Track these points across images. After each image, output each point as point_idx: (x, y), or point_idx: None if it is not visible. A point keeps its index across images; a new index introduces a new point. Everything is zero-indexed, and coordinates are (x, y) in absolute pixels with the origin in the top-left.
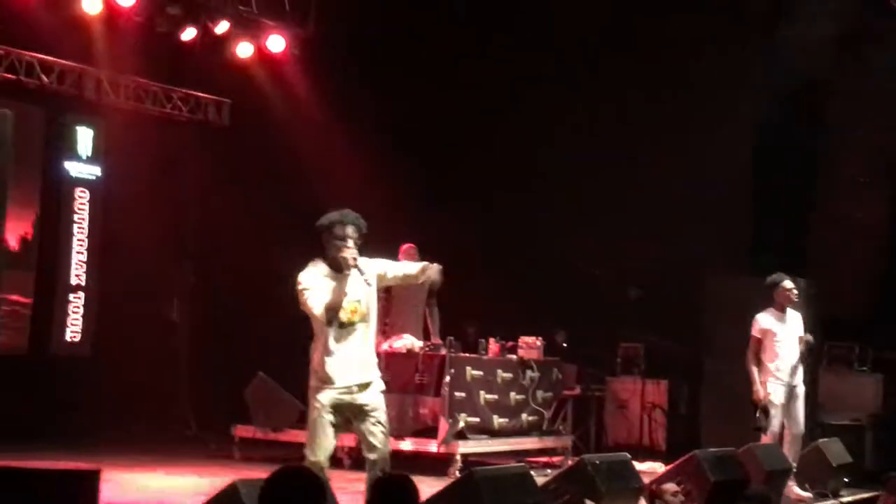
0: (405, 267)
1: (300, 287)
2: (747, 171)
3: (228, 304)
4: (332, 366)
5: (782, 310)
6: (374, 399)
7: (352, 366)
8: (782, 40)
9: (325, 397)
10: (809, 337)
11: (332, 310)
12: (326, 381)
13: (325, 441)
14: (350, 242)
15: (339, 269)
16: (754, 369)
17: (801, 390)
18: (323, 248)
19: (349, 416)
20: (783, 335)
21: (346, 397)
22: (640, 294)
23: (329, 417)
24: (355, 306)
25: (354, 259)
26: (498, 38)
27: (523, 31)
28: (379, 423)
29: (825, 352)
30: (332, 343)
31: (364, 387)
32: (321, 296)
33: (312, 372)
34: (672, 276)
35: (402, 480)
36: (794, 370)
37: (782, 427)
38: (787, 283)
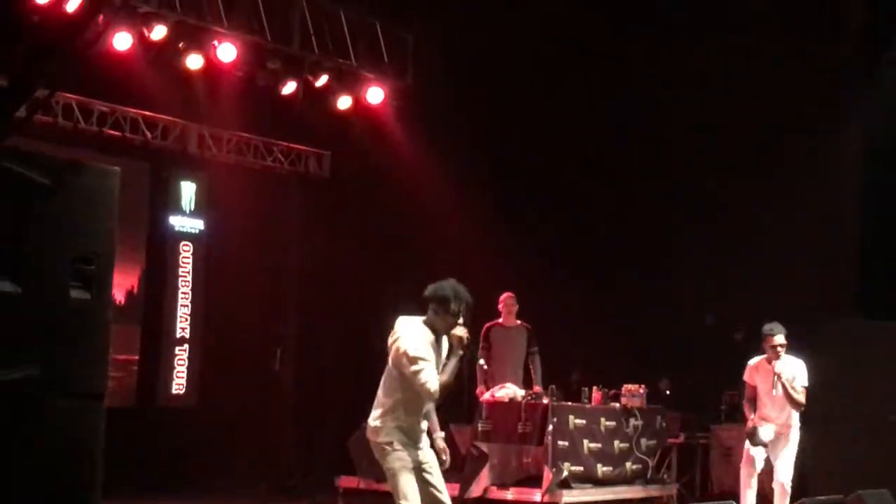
0: None
1: (414, 355)
2: (856, 211)
3: (331, 354)
4: (418, 426)
5: (771, 360)
6: (432, 456)
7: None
8: (885, 74)
9: (412, 455)
10: (780, 388)
11: (447, 389)
12: (412, 439)
13: (416, 497)
14: (461, 320)
15: (436, 334)
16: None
17: (791, 436)
18: (423, 309)
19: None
20: (764, 386)
21: (420, 455)
22: (744, 337)
23: (413, 475)
24: None
25: (468, 339)
26: (600, 87)
27: (631, 79)
28: (436, 475)
29: None
30: (420, 405)
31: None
32: (434, 371)
33: (395, 429)
34: (780, 321)
35: None
36: (780, 418)
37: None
38: (777, 339)
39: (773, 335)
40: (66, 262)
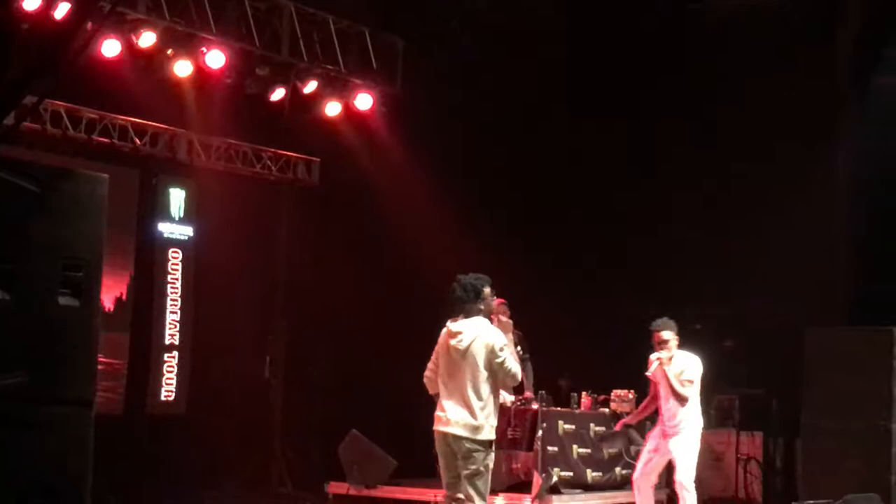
0: None
1: (503, 345)
2: (848, 220)
3: (321, 361)
4: None
5: (669, 358)
6: None
7: None
8: (874, 89)
9: None
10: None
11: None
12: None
13: None
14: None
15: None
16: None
17: (686, 433)
18: (473, 303)
19: None
20: (662, 382)
21: None
22: (735, 345)
23: None
24: None
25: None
26: (586, 93)
27: (621, 82)
28: None
29: None
30: None
31: None
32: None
33: (493, 429)
34: (770, 328)
35: None
36: (669, 415)
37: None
38: (663, 335)
39: (657, 331)
40: (55, 270)
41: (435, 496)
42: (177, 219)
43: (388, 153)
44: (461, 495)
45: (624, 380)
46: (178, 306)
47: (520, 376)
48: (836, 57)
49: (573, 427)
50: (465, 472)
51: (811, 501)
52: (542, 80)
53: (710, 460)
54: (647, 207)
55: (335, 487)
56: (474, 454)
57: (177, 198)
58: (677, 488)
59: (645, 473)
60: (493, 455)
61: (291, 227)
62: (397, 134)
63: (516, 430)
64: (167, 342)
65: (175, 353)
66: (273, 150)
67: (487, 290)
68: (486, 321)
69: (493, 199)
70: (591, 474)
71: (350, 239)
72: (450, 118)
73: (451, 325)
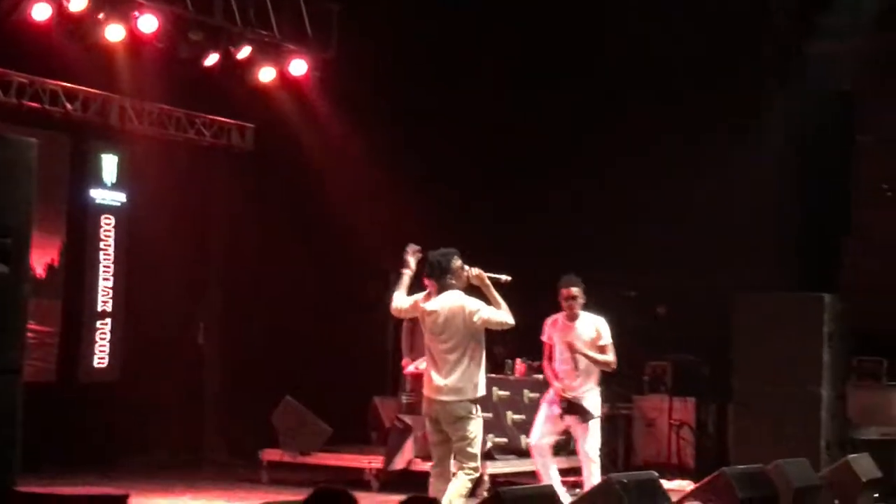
0: None
1: (479, 306)
2: (777, 189)
3: (255, 328)
4: None
5: (571, 318)
6: None
7: None
8: (808, 58)
9: None
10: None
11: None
12: None
13: None
14: (466, 267)
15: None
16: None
17: (590, 400)
18: (443, 278)
19: None
20: (560, 345)
21: None
22: (667, 312)
23: None
24: None
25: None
26: (522, 58)
27: (549, 57)
28: None
29: (854, 366)
30: None
31: None
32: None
33: (477, 386)
34: (701, 295)
35: (339, 494)
36: (571, 380)
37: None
38: (572, 290)
39: (565, 286)
40: None
41: (369, 462)
42: (109, 185)
43: (323, 119)
44: (447, 459)
45: None
46: (111, 273)
47: (508, 317)
48: (765, 25)
49: (507, 393)
50: (455, 437)
51: (742, 466)
52: (478, 44)
53: (642, 426)
54: (581, 175)
55: (269, 454)
56: (458, 419)
57: (109, 164)
58: (582, 458)
59: (545, 439)
60: (479, 421)
61: (225, 193)
62: (332, 100)
63: None
64: (100, 309)
65: (108, 320)
66: (207, 115)
67: (457, 262)
68: (459, 293)
69: (427, 165)
70: (525, 440)
71: (284, 205)
72: (385, 84)
73: (426, 306)
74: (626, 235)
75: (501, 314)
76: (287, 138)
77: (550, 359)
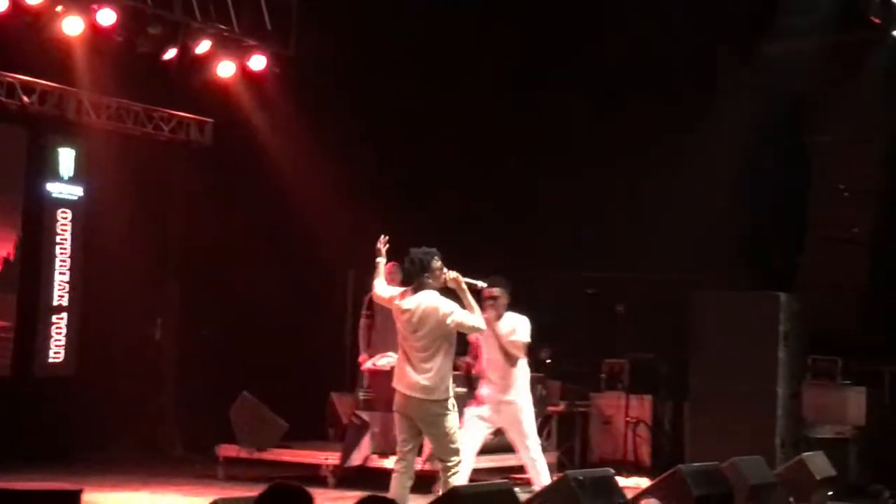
0: None
1: (452, 309)
2: (734, 187)
3: (213, 323)
4: None
5: (495, 318)
6: None
7: None
8: (765, 58)
9: None
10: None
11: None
12: None
13: None
14: (445, 269)
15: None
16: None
17: (521, 402)
18: (421, 277)
19: None
20: (488, 343)
21: None
22: (624, 309)
23: None
24: None
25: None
26: (486, 54)
27: (511, 51)
28: None
29: (809, 365)
30: None
31: None
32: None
33: (448, 387)
34: (657, 293)
35: (295, 491)
36: (503, 383)
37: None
38: (491, 291)
39: (487, 287)
40: None
41: (326, 458)
42: (66, 179)
43: (282, 114)
44: (412, 454)
45: None
46: (68, 267)
47: (480, 322)
48: (725, 23)
49: (465, 390)
50: (434, 435)
51: (698, 464)
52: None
53: (599, 423)
54: (541, 174)
55: (225, 450)
56: (435, 417)
57: (66, 157)
58: (526, 460)
59: (472, 445)
60: (454, 416)
61: (184, 188)
62: (291, 95)
63: None
64: (56, 303)
65: (64, 315)
66: (165, 110)
67: (436, 263)
68: (436, 293)
69: (387, 161)
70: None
71: (243, 200)
72: (344, 80)
73: (401, 304)
74: (585, 234)
75: (475, 318)
76: (246, 133)
77: (477, 358)
